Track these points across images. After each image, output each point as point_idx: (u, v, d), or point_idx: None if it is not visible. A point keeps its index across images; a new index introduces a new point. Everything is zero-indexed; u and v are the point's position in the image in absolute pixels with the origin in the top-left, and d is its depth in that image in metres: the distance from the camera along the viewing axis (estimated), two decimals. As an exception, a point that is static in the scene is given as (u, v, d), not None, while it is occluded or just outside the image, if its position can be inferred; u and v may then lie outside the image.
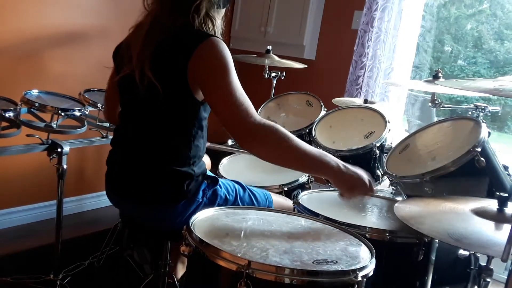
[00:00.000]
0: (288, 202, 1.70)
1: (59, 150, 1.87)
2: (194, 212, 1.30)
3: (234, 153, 2.19)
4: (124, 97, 1.54)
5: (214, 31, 1.45)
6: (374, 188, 1.41)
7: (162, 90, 1.34)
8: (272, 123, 1.34)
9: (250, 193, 1.61)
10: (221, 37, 1.44)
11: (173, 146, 1.42)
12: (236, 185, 1.60)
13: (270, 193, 1.69)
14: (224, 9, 1.52)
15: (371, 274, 1.08)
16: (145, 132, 1.46)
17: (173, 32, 1.39)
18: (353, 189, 1.39)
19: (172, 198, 1.45)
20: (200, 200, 1.46)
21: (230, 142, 2.60)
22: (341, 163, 1.36)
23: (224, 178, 1.81)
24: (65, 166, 1.91)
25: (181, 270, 1.90)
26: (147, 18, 1.45)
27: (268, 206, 1.62)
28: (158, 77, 1.36)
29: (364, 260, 1.12)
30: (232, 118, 1.34)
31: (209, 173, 1.58)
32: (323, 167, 1.34)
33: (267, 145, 1.33)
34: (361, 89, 2.92)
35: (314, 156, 1.33)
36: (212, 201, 1.48)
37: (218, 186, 1.52)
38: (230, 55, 1.38)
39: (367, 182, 1.38)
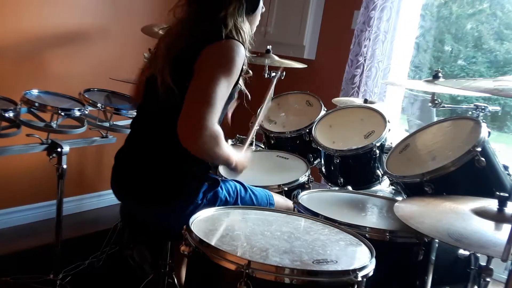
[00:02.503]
0: (289, 203, 1.70)
1: (59, 150, 1.87)
2: (193, 214, 1.29)
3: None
4: (146, 94, 1.56)
5: (241, 37, 1.44)
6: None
7: (178, 91, 1.36)
8: (220, 134, 1.34)
9: (251, 194, 1.61)
10: (247, 44, 1.46)
11: (172, 145, 1.42)
12: (238, 185, 1.60)
13: (272, 193, 1.69)
14: (255, 13, 1.53)
15: (371, 274, 1.08)
16: (150, 131, 1.48)
17: (195, 37, 1.41)
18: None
19: (171, 197, 1.45)
20: (200, 202, 1.47)
21: (230, 142, 2.60)
22: (239, 159, 1.50)
23: (225, 178, 1.81)
24: (65, 166, 1.91)
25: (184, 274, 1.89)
26: (177, 26, 1.48)
27: (269, 204, 1.62)
28: (175, 80, 1.39)
29: (364, 260, 1.12)
30: (192, 111, 1.32)
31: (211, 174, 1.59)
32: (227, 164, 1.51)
33: (202, 149, 1.34)
34: (358, 89, 2.91)
35: (226, 159, 1.45)
36: (212, 203, 1.48)
37: (219, 187, 1.53)
38: (238, 61, 1.38)
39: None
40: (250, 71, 1.59)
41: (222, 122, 1.71)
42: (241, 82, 1.55)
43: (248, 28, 1.50)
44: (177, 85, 1.38)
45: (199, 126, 1.29)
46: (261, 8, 1.56)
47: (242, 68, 1.44)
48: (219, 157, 1.40)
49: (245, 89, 1.60)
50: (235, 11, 1.43)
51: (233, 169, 1.52)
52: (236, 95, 1.57)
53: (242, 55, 1.40)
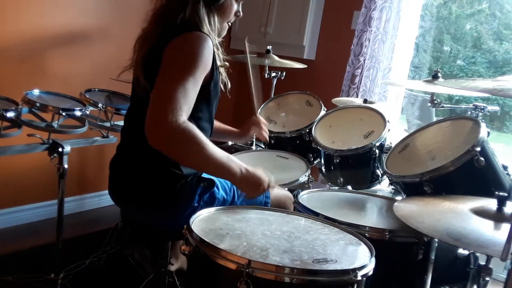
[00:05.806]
0: (285, 192, 1.71)
1: (60, 149, 1.88)
2: (190, 217, 1.27)
3: (232, 153, 2.19)
4: (131, 97, 1.56)
5: (207, 29, 1.43)
6: (272, 185, 1.46)
7: (151, 89, 1.33)
8: (191, 130, 1.23)
9: None
10: (214, 35, 1.44)
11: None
12: None
13: None
14: (223, 4, 1.48)
15: (370, 273, 1.09)
16: (138, 135, 1.42)
17: (163, 33, 1.40)
18: (253, 192, 1.42)
19: (166, 202, 1.45)
20: (196, 204, 1.46)
21: (230, 142, 2.60)
22: (243, 168, 1.37)
23: None
24: (66, 166, 1.91)
25: (175, 264, 1.89)
26: (149, 24, 1.49)
27: (265, 197, 1.61)
28: (147, 77, 1.38)
29: (364, 259, 1.13)
30: (154, 110, 1.24)
31: (205, 175, 1.56)
32: (227, 175, 1.36)
33: (171, 149, 1.26)
34: (358, 89, 2.91)
35: (219, 165, 1.32)
36: (209, 204, 1.47)
37: (215, 188, 1.51)
38: (203, 53, 1.33)
39: (265, 183, 1.42)
40: (227, 63, 1.56)
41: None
42: (223, 72, 1.53)
43: (216, 18, 1.47)
44: (150, 83, 1.34)
45: (163, 124, 1.21)
46: None
47: (215, 59, 1.42)
48: (203, 159, 1.28)
49: (228, 80, 1.58)
50: (199, 3, 1.41)
51: (243, 184, 1.39)
52: (221, 87, 1.54)
53: (208, 47, 1.35)
